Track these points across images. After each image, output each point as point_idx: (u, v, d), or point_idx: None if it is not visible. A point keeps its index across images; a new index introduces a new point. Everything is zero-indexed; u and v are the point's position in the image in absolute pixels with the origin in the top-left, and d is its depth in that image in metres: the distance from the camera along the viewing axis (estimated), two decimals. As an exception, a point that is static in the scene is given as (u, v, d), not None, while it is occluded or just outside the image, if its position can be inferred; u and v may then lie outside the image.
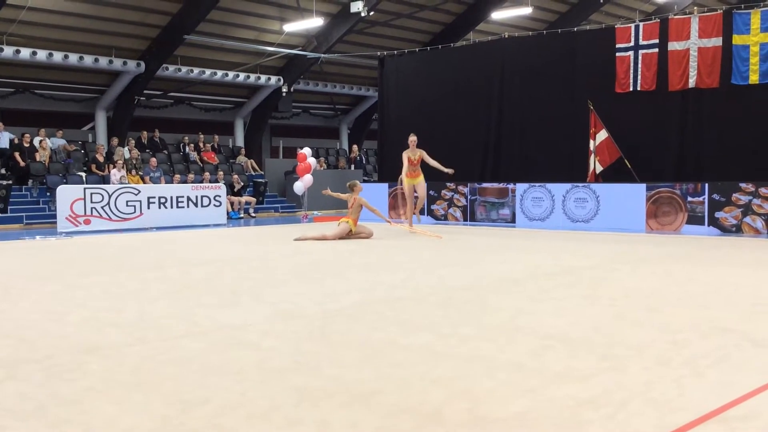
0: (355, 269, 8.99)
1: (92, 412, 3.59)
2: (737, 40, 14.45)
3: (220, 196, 18.59)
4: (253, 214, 21.36)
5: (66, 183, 18.55)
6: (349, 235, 13.01)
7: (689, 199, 14.07)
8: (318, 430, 3.31)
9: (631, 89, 15.84)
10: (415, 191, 14.65)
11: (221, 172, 21.95)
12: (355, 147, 28.93)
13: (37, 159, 20.06)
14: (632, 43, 15.77)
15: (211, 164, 23.56)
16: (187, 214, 17.87)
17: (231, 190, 20.92)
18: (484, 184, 17.26)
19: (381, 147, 20.96)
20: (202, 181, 20.40)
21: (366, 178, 26.39)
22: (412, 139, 14.52)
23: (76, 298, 6.97)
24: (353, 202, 13.18)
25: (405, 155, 14.48)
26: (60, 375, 4.24)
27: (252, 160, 25.68)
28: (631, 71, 15.78)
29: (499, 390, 3.88)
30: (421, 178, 14.60)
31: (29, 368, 4.41)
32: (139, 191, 17.30)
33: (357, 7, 22.38)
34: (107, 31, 21.59)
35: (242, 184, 21.62)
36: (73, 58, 21.24)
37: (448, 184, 17.53)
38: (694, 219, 14.00)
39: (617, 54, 15.96)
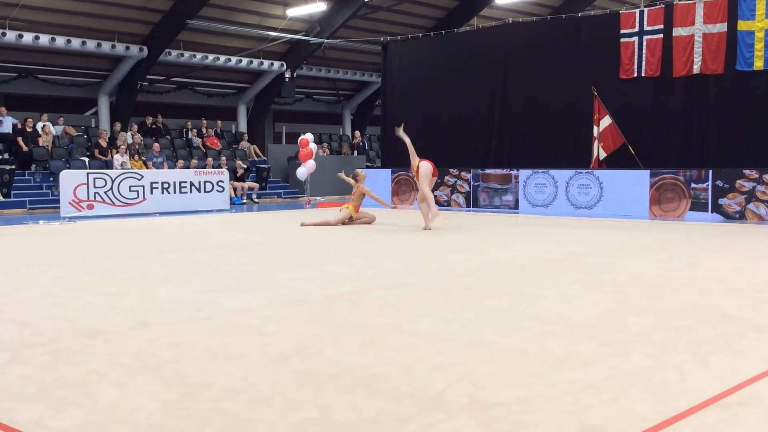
0: (358, 255, 9.00)
1: (96, 395, 3.61)
2: (742, 25, 14.39)
3: (222, 182, 18.58)
4: (256, 200, 21.37)
5: (69, 168, 18.56)
6: (350, 221, 13.05)
7: (693, 185, 14.04)
8: (320, 414, 3.33)
9: (635, 75, 15.80)
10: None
11: (224, 158, 21.94)
12: (357, 133, 28.89)
13: (40, 144, 20.06)
14: (637, 29, 15.71)
15: (214, 150, 23.54)
16: (190, 200, 17.87)
17: (234, 176, 20.93)
18: (488, 171, 17.25)
19: (384, 133, 20.94)
20: (204, 167, 20.40)
21: (369, 164, 26.36)
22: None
23: (79, 282, 6.99)
24: (356, 190, 13.22)
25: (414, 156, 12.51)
26: (64, 358, 4.26)
27: (255, 146, 25.67)
28: (636, 57, 15.74)
29: (501, 375, 3.89)
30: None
31: (33, 352, 4.43)
32: (142, 176, 17.31)
33: (360, -9, 22.32)
34: (110, 15, 21.53)
35: (245, 167, 21.63)
36: (75, 42, 21.20)
37: (451, 170, 17.52)
38: (698, 206, 13.98)
39: (622, 39, 15.91)
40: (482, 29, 19.59)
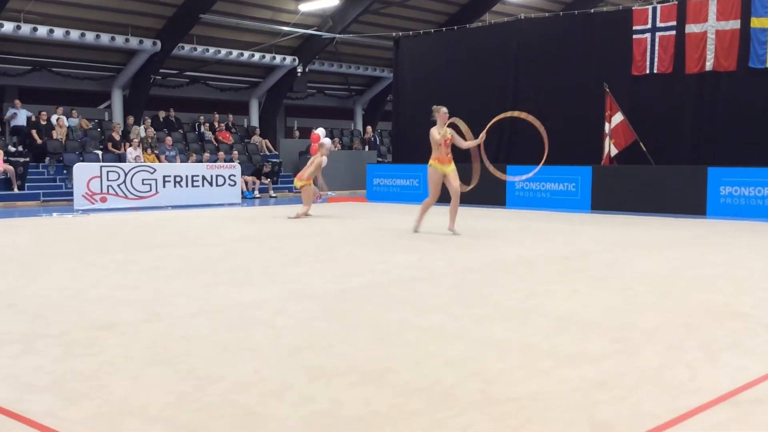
0: (368, 250, 9.01)
1: (109, 387, 3.64)
2: (755, 23, 14.32)
3: (234, 176, 18.65)
4: (273, 195, 21.40)
5: (82, 161, 18.66)
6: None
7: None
8: (331, 408, 3.34)
9: (647, 72, 15.74)
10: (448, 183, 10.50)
11: (236, 152, 22.00)
12: (369, 128, 28.89)
13: (54, 137, 20.17)
14: (649, 25, 15.65)
15: (226, 144, 23.61)
16: (202, 193, 17.95)
17: (258, 174, 21.12)
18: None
19: (395, 128, 20.93)
20: (216, 161, 20.45)
21: (380, 160, 26.37)
22: (444, 110, 10.38)
23: (92, 275, 7.03)
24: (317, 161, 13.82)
25: (438, 133, 10.31)
26: (76, 350, 4.29)
27: (266, 140, 25.72)
28: (648, 53, 15.68)
29: (511, 371, 3.90)
30: (453, 166, 10.58)
31: (46, 343, 4.46)
32: (155, 170, 17.39)
33: (373, -13, 22.31)
34: (124, 9, 21.61)
35: (269, 168, 21.78)
36: (89, 36, 21.30)
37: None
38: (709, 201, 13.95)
39: (634, 36, 15.85)
40: (494, 25, 19.56)
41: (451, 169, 10.46)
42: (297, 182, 13.97)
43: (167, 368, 3.94)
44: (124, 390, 3.59)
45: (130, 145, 19.76)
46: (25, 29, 20.12)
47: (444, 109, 10.39)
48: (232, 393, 3.54)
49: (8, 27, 19.77)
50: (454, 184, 10.37)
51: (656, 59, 15.58)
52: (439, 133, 10.25)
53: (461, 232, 10.45)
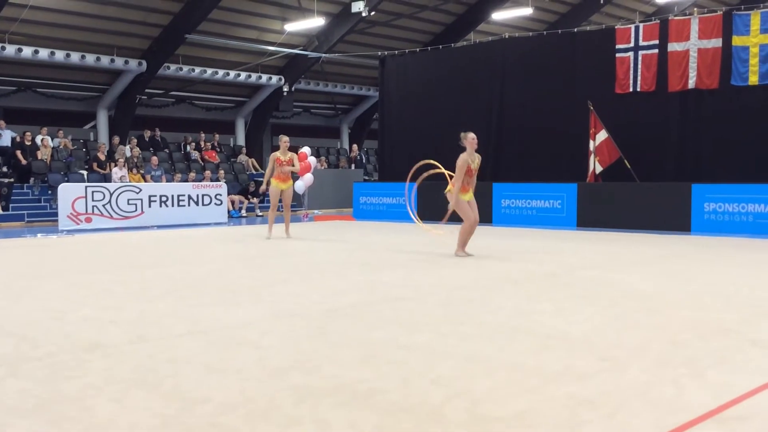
0: (355, 268, 9.00)
1: (93, 409, 3.61)
2: (737, 41, 14.48)
3: (221, 195, 18.61)
4: (260, 214, 21.36)
5: (67, 181, 18.57)
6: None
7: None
8: (317, 430, 3.33)
9: (630, 90, 15.87)
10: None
11: (222, 171, 21.98)
12: (355, 146, 28.97)
13: (39, 157, 20.08)
14: (632, 44, 15.79)
15: (212, 163, 23.58)
16: (188, 213, 17.89)
17: (245, 193, 21.08)
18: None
19: (381, 147, 20.98)
20: (202, 180, 20.41)
21: (366, 178, 26.41)
22: (472, 136, 10.25)
23: (77, 296, 6.99)
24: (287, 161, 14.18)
25: (464, 161, 10.11)
26: (61, 373, 4.26)
27: (253, 159, 25.71)
28: (631, 72, 15.82)
29: (499, 389, 3.90)
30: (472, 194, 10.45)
31: (31, 366, 4.42)
32: (141, 190, 17.32)
33: (358, 7, 22.41)
34: (109, 30, 21.61)
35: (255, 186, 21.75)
36: (75, 56, 21.27)
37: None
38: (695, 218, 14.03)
39: (617, 55, 15.99)
40: (479, 44, 19.68)
41: (471, 196, 10.34)
42: None
43: (152, 390, 3.92)
44: (109, 412, 3.57)
45: (116, 165, 19.71)
46: (10, 50, 20.08)
47: (472, 135, 10.17)
48: (218, 415, 3.52)
49: (-7, 48, 19.75)
50: (474, 214, 10.23)
51: (639, 77, 15.72)
52: (468, 160, 10.09)
53: (450, 251, 10.44)
